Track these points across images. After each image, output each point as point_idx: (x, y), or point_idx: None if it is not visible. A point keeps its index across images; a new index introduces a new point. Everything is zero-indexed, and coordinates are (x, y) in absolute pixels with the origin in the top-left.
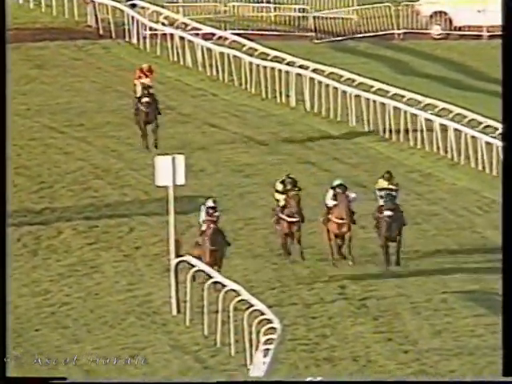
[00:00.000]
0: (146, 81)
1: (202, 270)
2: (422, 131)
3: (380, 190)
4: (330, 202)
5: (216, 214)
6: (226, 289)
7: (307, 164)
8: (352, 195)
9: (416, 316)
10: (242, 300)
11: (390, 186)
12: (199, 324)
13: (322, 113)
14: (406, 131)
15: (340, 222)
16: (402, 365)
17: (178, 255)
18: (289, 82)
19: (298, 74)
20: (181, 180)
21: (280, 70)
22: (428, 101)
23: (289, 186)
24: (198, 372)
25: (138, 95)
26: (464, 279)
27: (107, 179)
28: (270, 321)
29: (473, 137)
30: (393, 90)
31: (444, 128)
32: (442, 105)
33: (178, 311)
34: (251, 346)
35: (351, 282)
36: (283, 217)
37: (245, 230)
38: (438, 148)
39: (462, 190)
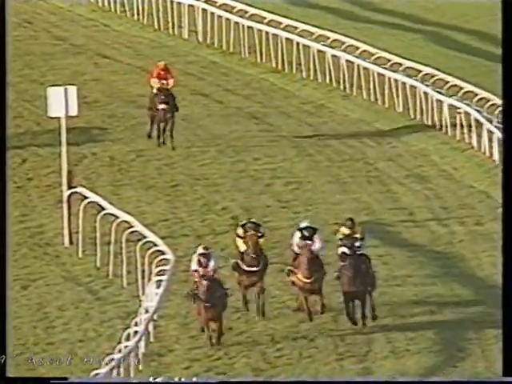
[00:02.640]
0: (163, 83)
1: (95, 201)
2: (314, 62)
3: (342, 239)
4: (296, 249)
5: (211, 263)
6: (118, 220)
7: (199, 96)
8: (317, 245)
9: None
10: (135, 231)
11: (353, 235)
12: (92, 255)
13: (215, 44)
14: (299, 63)
15: (307, 281)
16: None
17: (70, 186)
18: (181, 13)
19: (191, 5)
20: (73, 111)
21: (172, 1)
22: (320, 32)
23: (250, 232)
24: (91, 303)
25: (155, 95)
26: (356, 210)
27: None
28: (162, 252)
29: (365, 68)
30: (285, 22)
31: (336, 59)
32: (334, 36)
33: (71, 242)
34: (143, 277)
35: (244, 213)
36: (242, 267)
37: (137, 161)
38: (330, 79)
39: (354, 121)
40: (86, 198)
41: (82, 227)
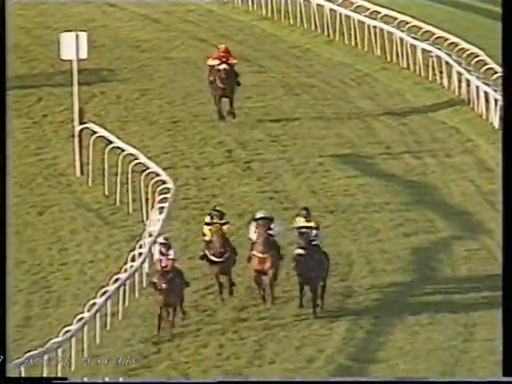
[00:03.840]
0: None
1: (103, 136)
2: (300, 11)
3: (298, 228)
4: (253, 236)
5: (170, 252)
6: (124, 153)
7: (197, 41)
8: (277, 228)
9: (295, 177)
10: (139, 163)
11: (308, 224)
12: (100, 185)
13: None
14: (287, 11)
15: (261, 256)
16: (283, 220)
17: (81, 122)
18: None
19: None
20: (84, 54)
21: None
22: None
23: (215, 219)
24: (100, 227)
25: (213, 71)
26: (339, 143)
27: (17, 54)
28: (164, 182)
29: (347, 16)
30: None
31: (320, 8)
32: None
33: (82, 173)
34: (147, 204)
35: (238, 147)
36: (210, 257)
37: (142, 99)
38: (315, 26)
39: (337, 64)
40: (95, 132)
41: (92, 159)
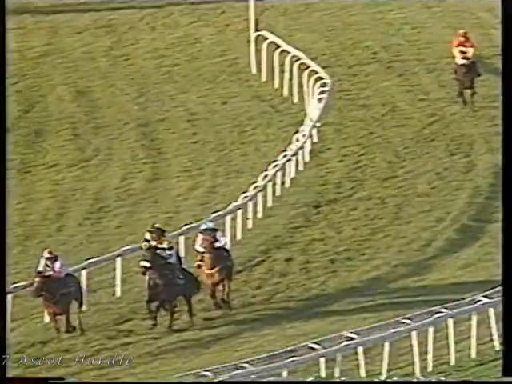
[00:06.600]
0: (465, 50)
1: (274, 41)
2: None
3: (147, 249)
4: (200, 249)
5: (57, 264)
6: (290, 54)
7: None
8: (223, 241)
9: (429, 73)
10: (302, 63)
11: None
12: (271, 81)
13: None
14: None
15: (211, 272)
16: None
17: (256, 30)
18: None
19: None
20: None
21: None
22: None
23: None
24: (271, 114)
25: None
26: None
27: None
28: (322, 78)
29: None
30: None
31: None
32: None
33: (258, 70)
34: (309, 95)
35: (381, 50)
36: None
37: (305, 12)
38: None
39: None
40: (267, 38)
41: (266, 60)
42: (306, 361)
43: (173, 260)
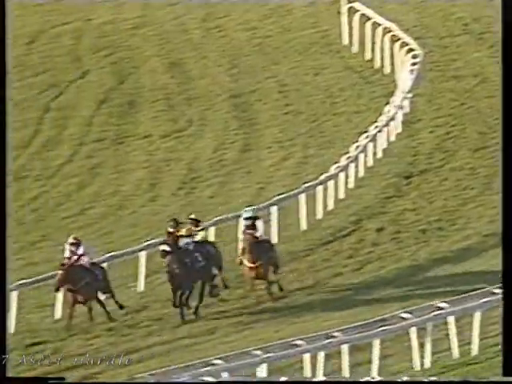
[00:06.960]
0: None
1: (365, 13)
2: None
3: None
4: (240, 237)
5: (80, 251)
6: (382, 26)
7: None
8: (260, 230)
9: None
10: (394, 34)
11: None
12: (362, 52)
13: None
14: None
15: (252, 265)
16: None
17: (348, 2)
18: None
19: None
20: None
21: None
22: None
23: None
24: (362, 85)
25: None
26: None
27: None
28: (413, 49)
29: None
30: None
31: None
32: None
33: (349, 42)
34: (400, 67)
35: (472, 22)
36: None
37: None
38: None
39: None
40: (358, 10)
41: (359, 31)
42: (396, 330)
43: (191, 246)
